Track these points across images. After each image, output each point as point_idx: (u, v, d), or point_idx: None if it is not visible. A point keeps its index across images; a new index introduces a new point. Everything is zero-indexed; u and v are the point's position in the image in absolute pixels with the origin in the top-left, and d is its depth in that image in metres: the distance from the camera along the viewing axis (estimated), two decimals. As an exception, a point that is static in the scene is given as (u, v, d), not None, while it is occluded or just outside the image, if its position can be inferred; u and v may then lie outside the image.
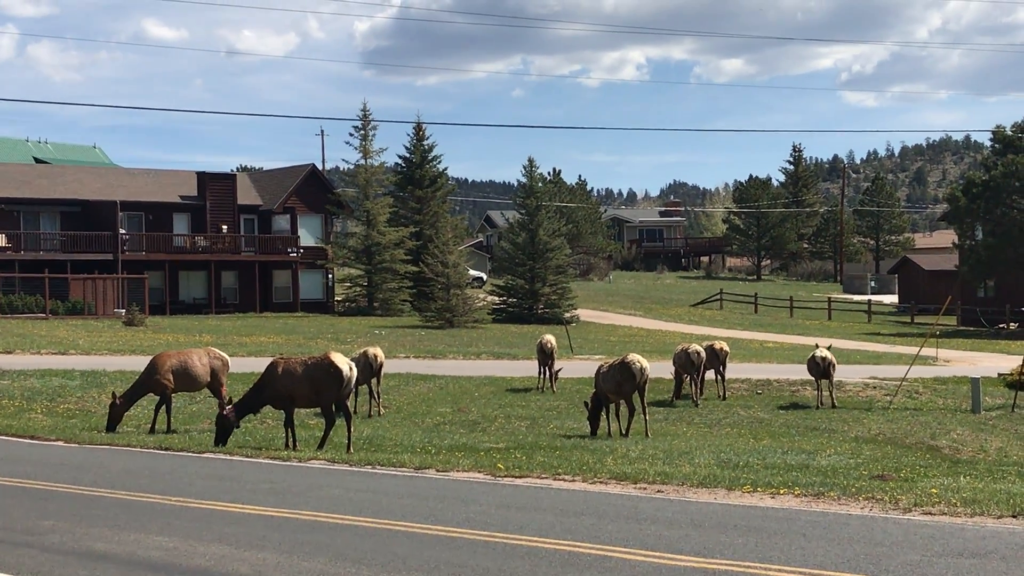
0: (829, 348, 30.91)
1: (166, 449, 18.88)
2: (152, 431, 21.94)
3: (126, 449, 19.01)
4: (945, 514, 12.30)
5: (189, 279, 67.40)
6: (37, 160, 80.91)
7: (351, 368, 18.98)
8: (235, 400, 19.85)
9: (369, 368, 26.17)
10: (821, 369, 29.99)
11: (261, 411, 20.45)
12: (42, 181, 66.71)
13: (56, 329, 47.40)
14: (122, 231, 63.57)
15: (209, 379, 23.06)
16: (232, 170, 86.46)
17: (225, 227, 67.61)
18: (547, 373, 32.09)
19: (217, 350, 23.73)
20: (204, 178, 68.80)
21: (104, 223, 63.75)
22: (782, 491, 13.99)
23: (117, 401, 22.10)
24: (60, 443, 19.98)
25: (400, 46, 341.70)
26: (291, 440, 19.27)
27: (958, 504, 12.75)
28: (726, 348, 32.20)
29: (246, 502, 13.12)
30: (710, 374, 31.37)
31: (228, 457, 18.01)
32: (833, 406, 29.63)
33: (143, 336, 45.14)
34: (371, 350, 26.85)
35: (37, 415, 24.59)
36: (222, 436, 19.20)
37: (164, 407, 22.42)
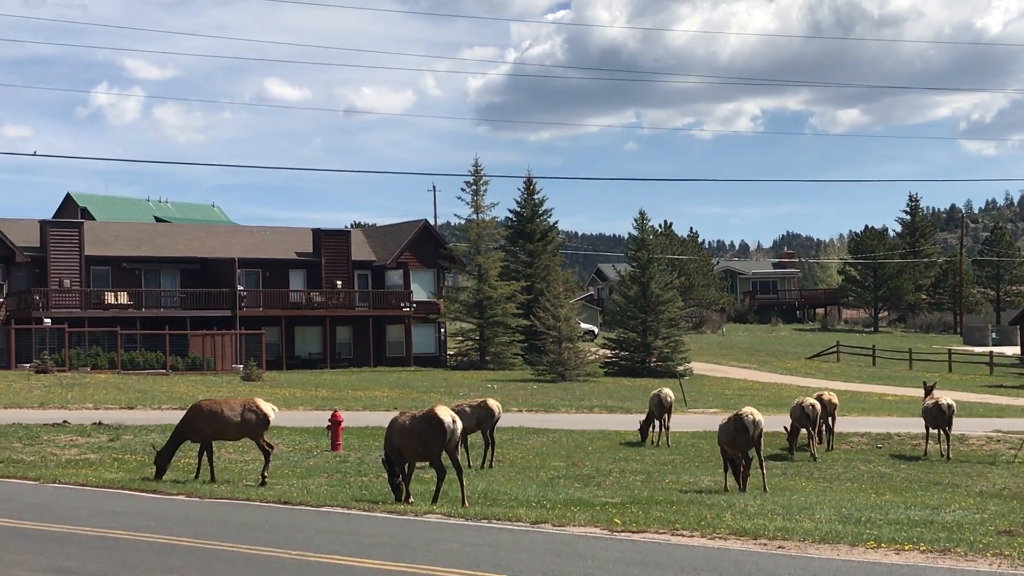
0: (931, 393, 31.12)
1: (285, 503, 19.05)
2: (196, 477, 22.44)
3: (245, 503, 19.22)
4: (1079, 572, 11.94)
5: (305, 334, 68.34)
6: (157, 219, 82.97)
7: (454, 421, 19.04)
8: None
9: (490, 417, 26.54)
10: (946, 417, 29.44)
11: (380, 466, 20.55)
12: (162, 240, 68.35)
13: (176, 385, 48.29)
14: (240, 288, 64.73)
15: (243, 430, 22.41)
16: (346, 226, 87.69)
17: (340, 282, 68.50)
18: (660, 427, 31.88)
19: (261, 403, 22.57)
20: (319, 235, 69.93)
21: (222, 280, 65.02)
22: (907, 547, 13.68)
23: (155, 449, 22.98)
24: (182, 497, 20.26)
25: (513, 102, 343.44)
26: (406, 494, 19.35)
27: (1092, 562, 12.37)
28: (835, 399, 31.87)
29: (364, 556, 13.17)
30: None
31: (345, 511, 18.12)
32: (948, 459, 29.13)
33: (260, 391, 45.72)
34: (491, 401, 27.12)
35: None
36: (395, 495, 19.42)
37: (206, 454, 22.62)
